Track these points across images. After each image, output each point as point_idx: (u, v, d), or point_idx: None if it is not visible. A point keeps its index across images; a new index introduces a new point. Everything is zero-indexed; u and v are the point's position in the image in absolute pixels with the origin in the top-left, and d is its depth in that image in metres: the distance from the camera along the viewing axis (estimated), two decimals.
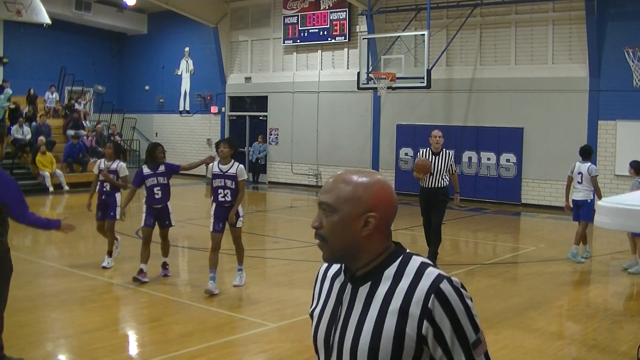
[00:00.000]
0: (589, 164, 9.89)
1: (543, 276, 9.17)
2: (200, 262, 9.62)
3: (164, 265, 8.55)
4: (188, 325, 6.38)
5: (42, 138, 18.84)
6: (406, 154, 18.39)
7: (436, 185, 9.32)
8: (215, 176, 7.60)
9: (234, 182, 7.53)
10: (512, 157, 16.81)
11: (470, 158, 17.48)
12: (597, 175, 9.89)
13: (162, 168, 8.25)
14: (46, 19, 19.68)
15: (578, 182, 9.87)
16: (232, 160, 7.58)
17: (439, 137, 9.40)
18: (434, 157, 9.33)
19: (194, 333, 6.23)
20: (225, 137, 7.75)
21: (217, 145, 7.66)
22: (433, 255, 9.31)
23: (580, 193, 9.85)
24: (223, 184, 7.56)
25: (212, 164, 7.93)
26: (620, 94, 15.20)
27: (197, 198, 18.99)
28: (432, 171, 9.25)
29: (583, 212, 9.77)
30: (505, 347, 6.01)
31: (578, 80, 15.88)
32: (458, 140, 17.49)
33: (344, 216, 1.73)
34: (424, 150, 9.59)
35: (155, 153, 8.24)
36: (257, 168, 21.99)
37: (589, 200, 9.68)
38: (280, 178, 21.54)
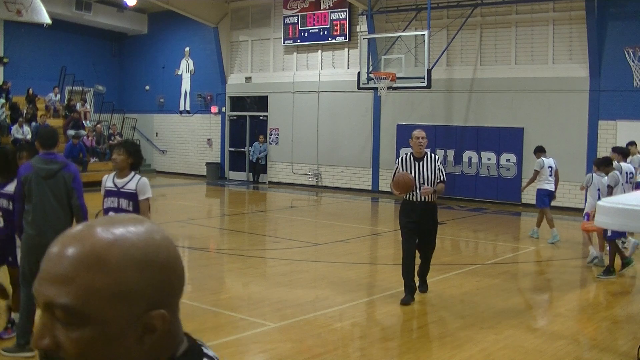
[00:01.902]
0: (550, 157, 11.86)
1: (543, 276, 9.17)
2: (201, 262, 9.65)
3: (11, 321, 5.75)
4: (188, 325, 6.33)
5: None
6: (406, 154, 18.37)
7: (425, 199, 7.28)
8: (108, 193, 5.57)
9: (131, 203, 5.48)
10: (513, 157, 16.82)
11: (470, 158, 17.49)
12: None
13: (10, 188, 5.54)
14: (46, 19, 19.68)
15: (549, 175, 11.67)
16: (132, 173, 5.60)
17: (422, 137, 7.41)
18: (417, 163, 7.39)
19: (193, 333, 6.14)
20: (123, 140, 5.77)
21: (111, 150, 5.75)
22: (424, 289, 7.73)
23: (552, 184, 11.65)
24: (116, 204, 5.49)
25: (105, 176, 5.79)
26: (620, 94, 15.21)
27: (197, 198, 19.01)
28: (417, 183, 7.25)
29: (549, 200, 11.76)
30: (505, 347, 6.01)
31: (578, 80, 15.89)
32: (458, 140, 17.53)
33: (108, 328, 0.92)
34: (404, 155, 7.62)
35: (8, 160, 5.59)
36: (258, 168, 22.00)
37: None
38: (281, 178, 21.54)
